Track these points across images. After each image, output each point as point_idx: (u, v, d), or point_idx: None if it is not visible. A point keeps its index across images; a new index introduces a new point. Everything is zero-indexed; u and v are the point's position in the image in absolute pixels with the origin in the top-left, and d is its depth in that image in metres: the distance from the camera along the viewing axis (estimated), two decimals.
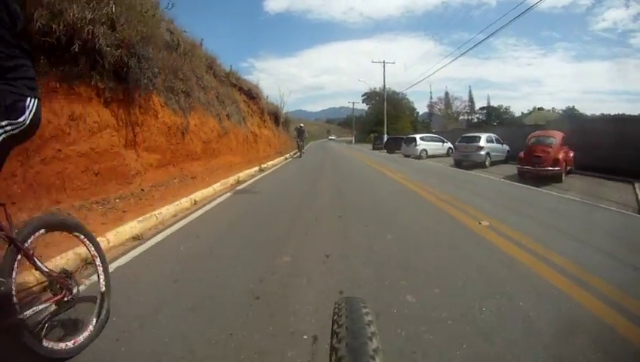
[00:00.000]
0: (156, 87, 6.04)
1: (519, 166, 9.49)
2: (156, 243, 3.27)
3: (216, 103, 9.97)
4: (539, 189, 7.74)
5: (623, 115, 21.86)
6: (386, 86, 35.15)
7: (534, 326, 1.87)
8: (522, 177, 9.27)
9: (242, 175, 8.25)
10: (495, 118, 60.66)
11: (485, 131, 15.87)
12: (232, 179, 7.35)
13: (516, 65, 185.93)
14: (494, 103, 68.31)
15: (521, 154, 9.48)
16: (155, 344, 1.62)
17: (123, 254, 2.90)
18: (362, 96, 62.53)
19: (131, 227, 3.40)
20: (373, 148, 29.56)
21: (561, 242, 3.57)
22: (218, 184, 6.48)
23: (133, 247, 3.08)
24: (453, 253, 3.12)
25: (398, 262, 2.80)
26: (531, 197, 6.86)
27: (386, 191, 7.02)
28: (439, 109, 66.31)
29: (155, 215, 3.91)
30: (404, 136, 21.78)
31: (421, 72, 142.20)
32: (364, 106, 64.08)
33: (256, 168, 9.92)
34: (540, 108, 76.61)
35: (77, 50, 4.08)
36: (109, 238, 3.02)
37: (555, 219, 4.87)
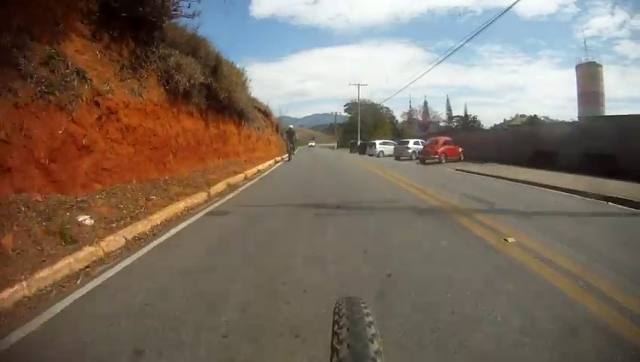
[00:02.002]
0: (246, 116, 14.25)
1: (420, 155, 18.12)
2: (259, 178, 11.42)
3: (253, 120, 18.18)
4: (424, 165, 16.20)
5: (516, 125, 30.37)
6: (369, 95, 44.08)
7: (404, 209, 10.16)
8: (422, 162, 17.72)
9: (272, 161, 16.40)
10: (466, 125, 69.80)
11: (443, 136, 23.89)
12: (272, 161, 15.53)
13: (501, 72, 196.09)
14: (480, 110, 77.18)
15: (427, 149, 17.99)
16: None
17: (247, 180, 11.06)
18: (344, 106, 71.16)
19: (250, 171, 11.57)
20: (351, 152, 38.04)
21: (419, 179, 11.81)
22: (269, 162, 14.64)
23: (246, 180, 11.24)
24: (369, 181, 11.40)
25: (347, 180, 11.07)
26: (420, 168, 15.20)
27: (348, 165, 15.36)
28: (417, 118, 74.87)
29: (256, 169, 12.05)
30: (369, 142, 30.55)
31: (406, 77, 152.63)
32: (347, 114, 72.68)
33: (277, 158, 18.13)
34: (522, 115, 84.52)
35: (226, 104, 12.12)
36: (247, 174, 11.07)
37: (424, 174, 13.03)
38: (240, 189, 7.91)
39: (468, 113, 70.07)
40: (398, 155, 22.58)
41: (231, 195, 6.99)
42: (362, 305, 0.70)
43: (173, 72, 7.87)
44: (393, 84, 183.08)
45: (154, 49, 7.83)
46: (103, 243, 3.41)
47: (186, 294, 2.48)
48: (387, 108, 71.05)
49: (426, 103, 72.85)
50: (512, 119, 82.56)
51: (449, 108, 73.65)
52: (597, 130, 12.17)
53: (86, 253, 3.15)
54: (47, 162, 4.33)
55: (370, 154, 27.34)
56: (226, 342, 1.87)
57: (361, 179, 10.83)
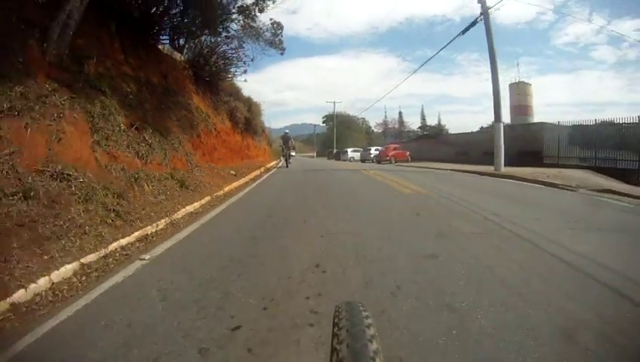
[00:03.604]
0: (257, 133, 21.57)
1: (377, 158, 25.89)
2: (277, 167, 18.73)
3: (259, 135, 25.46)
4: (380, 165, 23.88)
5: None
6: (349, 105, 52.10)
7: (378, 195, 17.69)
8: (377, 162, 25.45)
9: (274, 162, 23.62)
10: (429, 134, 78.98)
11: (394, 143, 32.03)
12: (274, 162, 22.81)
13: (478, 80, 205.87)
14: (457, 118, 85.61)
15: (379, 153, 25.75)
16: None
17: (262, 175, 18.36)
18: (322, 117, 78.98)
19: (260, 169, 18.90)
20: (328, 159, 45.70)
21: (391, 174, 19.43)
22: (275, 162, 21.92)
23: (259, 176, 18.55)
24: (356, 177, 18.89)
25: (325, 169, 18.54)
26: (374, 165, 22.83)
27: (328, 167, 22.88)
28: (393, 127, 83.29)
29: (273, 163, 19.36)
30: (342, 150, 38.39)
31: (384, 86, 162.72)
32: (324, 126, 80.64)
33: (277, 161, 25.39)
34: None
35: (251, 126, 19.34)
36: (269, 165, 18.41)
37: (386, 172, 20.72)
38: (273, 170, 15.17)
39: (441, 122, 77.41)
40: (363, 159, 30.37)
41: (272, 171, 14.26)
42: (361, 309, 0.74)
43: (233, 110, 15.14)
44: (372, 93, 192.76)
45: (220, 97, 15.07)
46: (233, 184, 10.69)
47: (276, 192, 9.81)
48: (363, 118, 79.14)
49: (400, 113, 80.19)
50: (489, 126, 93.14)
51: (423, 118, 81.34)
52: (525, 133, 19.03)
53: (229, 185, 10.43)
54: (208, 154, 11.48)
55: (343, 160, 35.03)
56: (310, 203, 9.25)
57: (333, 167, 18.31)
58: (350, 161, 33.46)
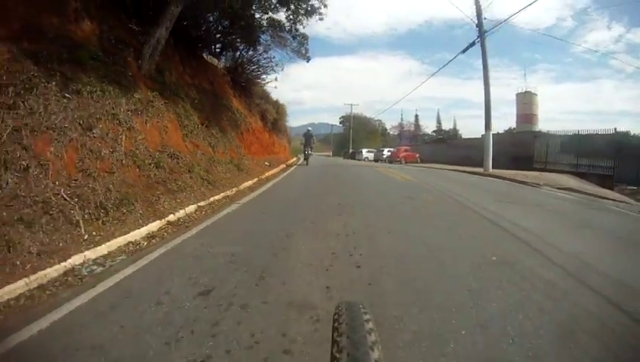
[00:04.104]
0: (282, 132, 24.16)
1: (389, 158, 28.15)
2: (294, 167, 21.24)
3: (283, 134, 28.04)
4: (390, 164, 26.15)
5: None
6: (365, 106, 54.34)
7: (389, 186, 20.11)
8: (389, 162, 27.74)
9: (294, 159, 26.13)
10: (443, 138, 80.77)
11: (404, 146, 34.27)
12: (294, 159, 25.35)
13: (496, 85, 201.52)
14: (474, 122, 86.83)
15: (391, 155, 28.03)
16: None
17: (287, 168, 20.89)
18: (340, 118, 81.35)
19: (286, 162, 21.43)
20: (344, 158, 48.15)
21: (397, 170, 21.81)
22: (294, 158, 24.45)
23: (286, 169, 21.07)
24: (367, 171, 21.31)
25: (342, 167, 20.96)
26: (386, 165, 25.15)
27: (344, 164, 25.31)
28: (408, 129, 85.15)
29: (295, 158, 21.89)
30: (358, 150, 40.76)
31: (401, 89, 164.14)
32: (341, 126, 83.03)
33: (296, 158, 27.92)
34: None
35: (277, 126, 21.93)
36: (290, 162, 20.93)
37: (392, 169, 23.07)
38: (294, 166, 17.65)
39: (457, 126, 78.08)
40: (376, 159, 32.63)
41: (294, 166, 16.73)
42: (362, 310, 0.71)
43: (264, 112, 17.69)
44: (388, 95, 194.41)
45: (253, 100, 17.63)
46: (271, 171, 13.21)
47: (310, 175, 12.28)
48: (379, 120, 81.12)
49: (416, 117, 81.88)
50: (503, 131, 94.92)
51: (439, 122, 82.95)
52: (520, 140, 21.51)
53: (267, 172, 12.95)
54: (247, 148, 14.01)
55: (358, 159, 37.38)
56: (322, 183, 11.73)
57: (348, 164, 20.67)
58: (365, 161, 35.79)
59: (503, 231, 4.53)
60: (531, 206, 6.86)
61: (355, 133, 58.19)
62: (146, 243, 3.91)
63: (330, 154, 76.72)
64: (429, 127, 79.39)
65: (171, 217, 4.79)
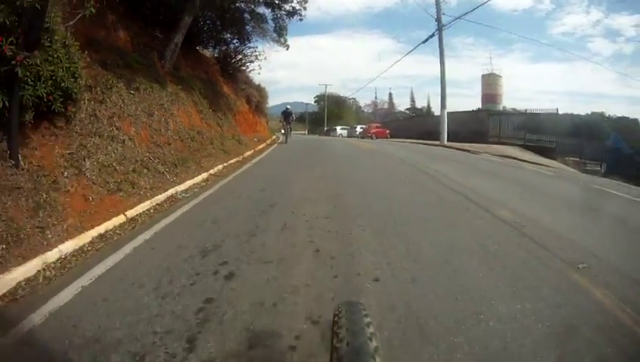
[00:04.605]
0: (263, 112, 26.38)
1: (361, 134, 30.93)
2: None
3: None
4: (362, 139, 28.89)
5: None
6: (337, 87, 56.48)
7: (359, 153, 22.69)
8: (362, 138, 30.50)
9: (274, 137, 28.43)
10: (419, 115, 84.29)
11: (375, 123, 36.97)
12: (274, 137, 27.69)
13: (472, 64, 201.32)
14: (450, 101, 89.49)
15: (363, 131, 30.78)
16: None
17: (272, 144, 23.32)
18: (314, 97, 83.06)
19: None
20: (319, 136, 50.69)
21: (366, 143, 24.47)
22: (274, 137, 26.82)
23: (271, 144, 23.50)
24: (340, 143, 23.88)
25: (318, 142, 23.50)
26: (357, 140, 27.88)
27: (320, 140, 27.85)
28: (382, 107, 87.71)
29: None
30: (332, 128, 43.42)
31: (377, 68, 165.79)
32: (316, 105, 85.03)
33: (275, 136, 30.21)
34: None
35: (260, 108, 24.13)
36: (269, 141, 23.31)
37: (361, 141, 25.79)
38: (276, 143, 20.06)
39: (430, 105, 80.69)
40: (349, 135, 35.47)
41: (276, 143, 19.17)
42: (361, 308, 0.76)
43: (249, 96, 19.88)
44: (364, 74, 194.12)
45: (239, 85, 19.75)
46: (260, 146, 15.64)
47: (293, 148, 14.82)
48: (353, 99, 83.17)
49: (390, 95, 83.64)
50: (475, 110, 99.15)
51: (412, 100, 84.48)
52: (477, 118, 24.59)
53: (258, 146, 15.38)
54: (239, 127, 16.30)
55: (332, 136, 40.08)
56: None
57: (324, 140, 23.27)
58: (339, 137, 38.52)
59: (422, 172, 7.38)
60: (459, 163, 9.76)
61: (330, 112, 60.54)
62: (204, 183, 6.43)
63: (306, 132, 79.11)
64: (403, 104, 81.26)
65: (212, 171, 7.33)
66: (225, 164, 8.28)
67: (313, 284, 2.55)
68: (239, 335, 1.91)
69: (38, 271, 2.85)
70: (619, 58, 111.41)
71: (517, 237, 3.71)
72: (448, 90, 18.16)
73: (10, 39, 3.49)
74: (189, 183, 6.21)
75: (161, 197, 5.18)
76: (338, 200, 5.00)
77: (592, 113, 19.08)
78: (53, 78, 4.15)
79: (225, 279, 2.62)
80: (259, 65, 19.25)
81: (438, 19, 17.54)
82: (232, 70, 18.60)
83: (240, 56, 18.71)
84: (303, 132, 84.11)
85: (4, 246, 2.95)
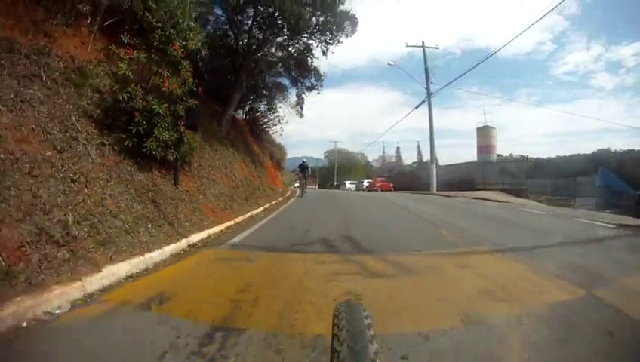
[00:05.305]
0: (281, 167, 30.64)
1: (367, 188, 34.84)
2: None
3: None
4: (370, 193, 32.69)
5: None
6: (345, 140, 61.56)
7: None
8: (369, 191, 34.32)
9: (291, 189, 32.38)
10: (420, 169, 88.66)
11: (381, 177, 41.08)
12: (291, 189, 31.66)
13: (478, 113, 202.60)
14: (455, 151, 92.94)
15: (369, 185, 34.75)
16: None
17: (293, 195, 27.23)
18: (324, 153, 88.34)
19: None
20: (329, 189, 54.95)
21: (367, 194, 28.25)
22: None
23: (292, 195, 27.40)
24: (349, 194, 27.69)
25: (331, 196, 27.33)
26: (369, 193, 31.67)
27: (334, 192, 31.73)
28: (389, 161, 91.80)
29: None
30: (342, 182, 47.55)
31: (385, 121, 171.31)
32: (325, 160, 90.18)
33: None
34: (499, 155, 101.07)
35: (276, 162, 28.34)
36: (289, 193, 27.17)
37: (366, 192, 29.54)
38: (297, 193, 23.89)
39: (436, 157, 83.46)
40: (357, 189, 39.56)
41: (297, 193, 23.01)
42: (361, 309, 0.76)
43: (272, 153, 24.12)
44: (372, 126, 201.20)
45: (264, 143, 24.07)
46: (286, 195, 19.41)
47: (314, 201, 18.52)
48: (362, 154, 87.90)
49: (398, 149, 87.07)
50: (475, 160, 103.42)
51: (419, 153, 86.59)
52: (465, 169, 28.43)
53: (287, 193, 19.16)
54: (265, 179, 20.27)
55: (342, 190, 44.13)
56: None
57: (336, 193, 27.00)
58: (348, 190, 42.55)
59: (404, 210, 10.97)
60: (430, 203, 13.34)
61: (340, 166, 65.27)
62: (264, 211, 10.12)
63: (316, 186, 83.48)
64: (410, 158, 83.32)
65: (265, 206, 11.06)
66: (271, 203, 12.05)
67: (337, 225, 6.14)
68: (318, 234, 5.51)
69: (212, 233, 6.46)
70: (621, 91, 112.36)
71: (424, 222, 7.57)
72: (452, 141, 23.05)
73: (182, 123, 7.35)
74: (258, 209, 9.92)
75: (247, 216, 8.88)
76: (344, 221, 8.62)
77: (599, 150, 20.75)
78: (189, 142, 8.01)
79: (307, 220, 6.32)
80: (281, 128, 23.80)
81: (427, 88, 22.09)
82: (258, 131, 23.00)
83: (265, 120, 23.25)
84: (314, 186, 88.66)
85: (188, 224, 6.58)
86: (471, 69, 25.69)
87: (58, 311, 2.66)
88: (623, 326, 2.55)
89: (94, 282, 3.26)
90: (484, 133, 52.15)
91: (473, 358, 2.10)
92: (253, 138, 22.22)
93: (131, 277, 3.64)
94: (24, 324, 2.42)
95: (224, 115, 14.56)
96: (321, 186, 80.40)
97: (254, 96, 20.36)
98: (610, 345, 2.25)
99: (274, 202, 13.01)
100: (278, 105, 22.14)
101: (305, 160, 19.95)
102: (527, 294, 3.18)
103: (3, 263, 2.81)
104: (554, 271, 3.90)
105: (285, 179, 33.72)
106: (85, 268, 3.34)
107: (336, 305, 0.81)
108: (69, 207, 3.91)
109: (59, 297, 2.83)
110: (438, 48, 26.85)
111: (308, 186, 19.04)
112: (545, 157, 25.33)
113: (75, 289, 3.02)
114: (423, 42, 23.28)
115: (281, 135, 25.68)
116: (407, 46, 24.54)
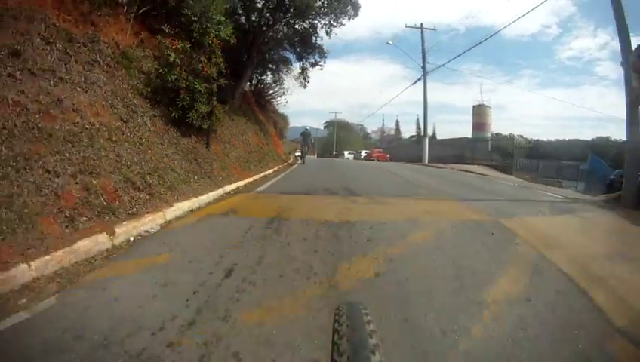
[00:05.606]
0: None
1: (365, 157, 36.72)
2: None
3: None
4: (366, 161, 34.53)
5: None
6: (345, 111, 63.13)
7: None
8: (366, 160, 36.18)
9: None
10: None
11: (378, 148, 42.97)
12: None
13: (479, 91, 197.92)
14: (455, 127, 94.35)
15: (367, 155, 36.61)
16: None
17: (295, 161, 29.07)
18: (324, 123, 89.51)
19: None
20: (328, 158, 56.89)
21: (363, 162, 30.14)
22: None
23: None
24: (347, 162, 29.57)
25: (329, 163, 29.19)
26: (364, 162, 33.53)
27: (333, 160, 33.62)
28: (388, 133, 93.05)
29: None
30: (340, 152, 49.40)
31: (386, 93, 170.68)
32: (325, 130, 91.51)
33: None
34: (498, 134, 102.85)
35: (280, 130, 30.00)
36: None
37: (367, 162, 31.42)
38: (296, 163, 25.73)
39: (435, 131, 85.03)
40: (355, 158, 41.41)
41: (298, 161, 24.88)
42: (361, 308, 0.76)
43: (276, 122, 25.78)
44: (371, 98, 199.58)
45: (268, 113, 25.68)
46: (290, 160, 21.30)
47: (314, 166, 20.41)
48: (361, 125, 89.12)
49: (397, 122, 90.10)
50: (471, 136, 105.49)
51: (418, 127, 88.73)
52: (458, 143, 30.32)
53: (289, 159, 21.05)
54: (271, 146, 22.07)
55: (340, 159, 46.04)
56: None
57: (334, 161, 28.89)
58: (346, 160, 44.46)
59: (392, 173, 12.88)
60: (420, 171, 15.27)
61: (338, 137, 66.81)
62: (272, 174, 12.04)
63: (315, 156, 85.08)
64: (410, 131, 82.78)
65: (275, 168, 13.00)
66: (279, 166, 13.98)
67: (337, 182, 8.09)
68: (322, 186, 7.47)
69: (239, 185, 8.38)
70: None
71: (408, 183, 9.46)
72: (451, 117, 24.86)
73: (214, 98, 9.07)
74: (269, 171, 11.85)
75: (262, 175, 10.84)
76: (343, 179, 10.54)
77: (598, 138, 21.60)
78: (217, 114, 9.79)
79: (312, 179, 8.52)
80: (285, 100, 25.36)
81: (424, 67, 23.56)
82: (264, 102, 24.57)
83: (271, 91, 24.78)
84: (313, 156, 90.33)
85: (221, 178, 8.47)
86: (471, 48, 27.20)
87: (152, 230, 4.07)
88: (502, 231, 4.58)
89: (169, 213, 4.80)
90: (479, 112, 53.28)
91: (409, 229, 4.33)
92: (259, 108, 23.76)
93: (192, 211, 5.43)
94: (131, 239, 3.70)
95: (237, 88, 16.15)
96: (320, 156, 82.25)
97: (262, 69, 21.79)
98: (491, 239, 4.27)
99: (280, 166, 14.90)
100: (283, 77, 23.64)
101: (308, 127, 21.11)
102: (453, 214, 5.30)
103: (105, 202, 4.02)
104: (480, 208, 5.92)
105: (285, 148, 35.27)
106: (161, 205, 5.04)
107: (337, 306, 0.81)
108: (142, 163, 5.65)
109: (152, 221, 4.31)
110: (435, 30, 28.10)
111: (307, 155, 20.42)
112: (545, 139, 26.51)
113: (159, 218, 4.51)
114: (421, 24, 24.55)
115: (285, 105, 27.19)
116: (406, 27, 25.24)
